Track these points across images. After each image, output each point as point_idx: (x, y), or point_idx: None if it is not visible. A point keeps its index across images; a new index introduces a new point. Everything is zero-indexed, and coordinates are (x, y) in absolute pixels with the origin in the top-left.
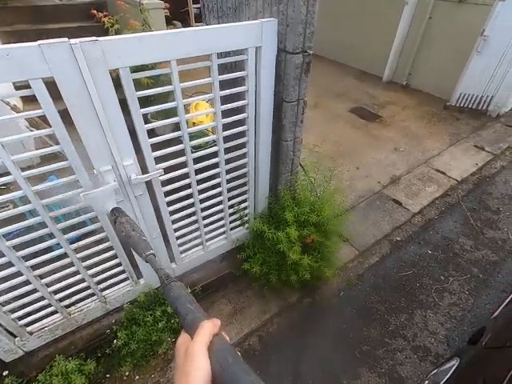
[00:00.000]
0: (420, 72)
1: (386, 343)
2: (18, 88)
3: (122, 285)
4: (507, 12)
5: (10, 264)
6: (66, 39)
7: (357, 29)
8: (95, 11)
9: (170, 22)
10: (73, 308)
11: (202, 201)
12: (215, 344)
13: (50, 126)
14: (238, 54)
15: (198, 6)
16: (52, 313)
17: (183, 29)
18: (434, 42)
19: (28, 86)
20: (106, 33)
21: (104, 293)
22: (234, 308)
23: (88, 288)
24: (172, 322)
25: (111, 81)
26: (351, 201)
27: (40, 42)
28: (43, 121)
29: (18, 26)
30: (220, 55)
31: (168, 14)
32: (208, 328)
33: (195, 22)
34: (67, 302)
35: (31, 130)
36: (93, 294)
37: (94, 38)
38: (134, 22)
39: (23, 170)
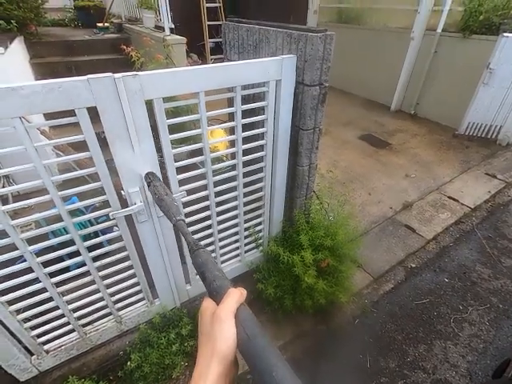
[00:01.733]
0: (428, 102)
1: (405, 375)
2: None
3: (137, 305)
4: (511, 46)
5: (33, 280)
6: (110, 74)
7: (364, 61)
8: (124, 46)
9: (187, 55)
10: (89, 327)
11: (218, 223)
12: (242, 313)
13: (74, 151)
14: (259, 86)
15: (214, 40)
16: (69, 331)
17: (213, 64)
18: (441, 73)
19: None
20: (132, 65)
21: (120, 312)
22: None
23: (105, 307)
24: (185, 345)
25: (146, 110)
26: (364, 226)
27: (89, 76)
28: (69, 145)
29: (50, 59)
30: (242, 87)
31: (186, 48)
32: (236, 295)
33: (211, 55)
34: (85, 320)
35: (57, 153)
36: (109, 314)
37: (135, 72)
38: (160, 56)
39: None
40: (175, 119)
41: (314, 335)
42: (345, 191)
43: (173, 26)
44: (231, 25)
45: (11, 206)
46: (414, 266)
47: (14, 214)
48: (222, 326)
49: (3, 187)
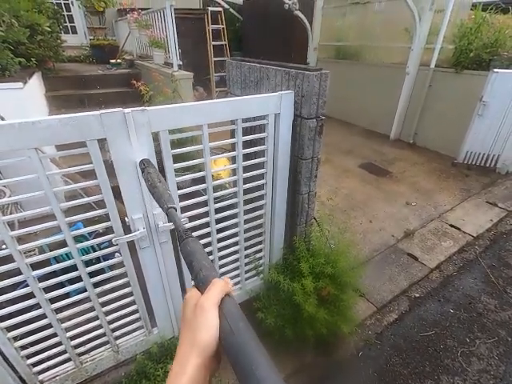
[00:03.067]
0: (426, 131)
1: None
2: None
3: (135, 334)
4: (501, 81)
5: (31, 307)
6: (120, 109)
7: (363, 92)
8: (134, 81)
9: (193, 88)
10: (86, 356)
11: (219, 249)
12: (226, 304)
13: (82, 178)
14: (260, 119)
15: (219, 74)
16: (65, 360)
17: (216, 100)
18: (437, 105)
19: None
20: (141, 98)
21: (118, 341)
22: None
23: (103, 335)
24: None
25: (152, 141)
26: (366, 254)
27: (101, 111)
28: (77, 173)
29: (65, 92)
30: (243, 120)
31: (193, 81)
32: (220, 285)
33: (216, 88)
34: (81, 349)
35: (65, 181)
36: (107, 342)
37: (143, 107)
38: (167, 90)
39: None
40: (179, 149)
41: (316, 368)
42: (346, 219)
43: (181, 63)
44: (234, 63)
45: (23, 230)
46: (417, 295)
47: (19, 240)
48: (205, 316)
49: (10, 213)
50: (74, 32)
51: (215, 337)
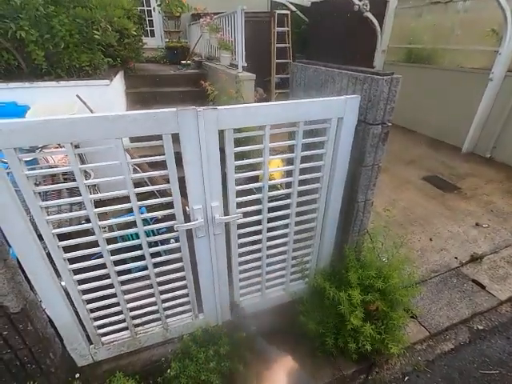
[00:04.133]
0: (508, 145)
1: None
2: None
3: (184, 315)
4: None
5: (101, 277)
6: (194, 107)
7: (432, 100)
8: (202, 81)
9: (254, 89)
10: (140, 328)
11: (268, 248)
12: None
13: (149, 168)
14: (322, 122)
15: (280, 76)
16: (123, 329)
17: (279, 102)
18: None
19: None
20: (206, 97)
21: (168, 320)
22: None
23: (156, 312)
24: (222, 364)
25: (218, 138)
26: (422, 274)
27: (177, 108)
28: (146, 163)
29: (142, 89)
30: (305, 122)
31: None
32: None
33: (276, 89)
34: (138, 321)
35: (134, 169)
36: (158, 319)
37: (214, 106)
38: (231, 91)
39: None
40: (242, 148)
41: (354, 383)
42: (402, 233)
43: (245, 65)
44: (299, 66)
45: (106, 208)
46: (481, 327)
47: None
48: None
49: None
50: (153, 35)
51: None
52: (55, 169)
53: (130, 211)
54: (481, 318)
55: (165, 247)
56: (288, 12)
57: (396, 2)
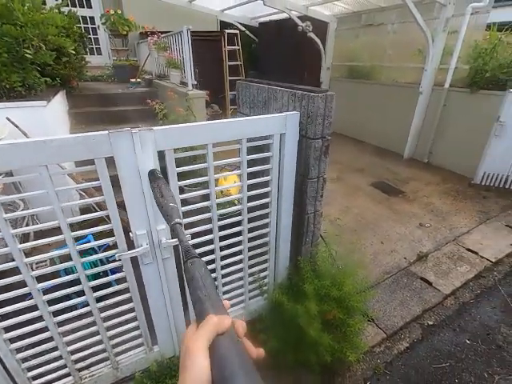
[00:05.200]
0: (441, 151)
1: None
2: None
3: (136, 350)
4: None
5: (35, 319)
6: (128, 128)
7: (376, 111)
8: (149, 100)
9: (209, 105)
10: (85, 372)
11: (223, 267)
12: (219, 346)
13: (100, 193)
14: (265, 139)
15: (233, 93)
16: (65, 375)
17: (220, 120)
18: (452, 124)
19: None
20: (156, 115)
21: (118, 358)
22: None
23: (104, 351)
24: None
25: (158, 159)
26: (376, 276)
27: (109, 131)
28: (93, 188)
29: (86, 109)
30: (249, 139)
31: (208, 99)
32: (212, 324)
33: (231, 106)
34: (82, 364)
35: (80, 194)
36: (107, 359)
37: (150, 127)
38: (180, 110)
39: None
40: (184, 168)
41: None
42: (356, 239)
43: (195, 82)
44: (244, 83)
45: (28, 244)
46: (431, 323)
47: (33, 250)
48: (192, 359)
49: (27, 225)
50: (99, 53)
51: (204, 377)
52: None
53: (78, 239)
54: (430, 313)
55: (109, 278)
56: (237, 32)
57: (335, 24)
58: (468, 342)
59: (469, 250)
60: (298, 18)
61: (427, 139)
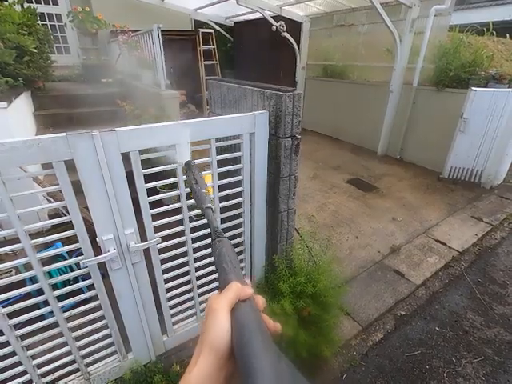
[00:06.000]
0: (411, 147)
1: None
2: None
3: (108, 359)
4: (480, 98)
5: None
6: (88, 130)
7: (350, 110)
8: (119, 101)
9: (185, 105)
10: None
11: (197, 269)
12: (239, 311)
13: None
14: (236, 138)
15: None
16: None
17: (187, 120)
18: (421, 121)
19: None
20: (127, 115)
21: (89, 368)
22: None
23: (73, 362)
24: None
25: (122, 162)
26: (352, 271)
27: (67, 133)
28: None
29: (54, 111)
30: (219, 139)
31: (185, 99)
32: (234, 289)
33: (207, 105)
34: (49, 378)
35: (48, 199)
36: (77, 370)
37: (112, 128)
38: (152, 110)
39: (33, 235)
40: (151, 169)
41: None
42: (332, 235)
43: (168, 82)
44: (215, 83)
45: None
46: (403, 313)
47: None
48: (213, 317)
49: None
50: (68, 52)
51: (226, 339)
52: None
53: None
54: (403, 304)
55: (75, 286)
56: (212, 31)
57: (309, 24)
58: (437, 329)
59: (438, 241)
60: (272, 17)
61: (399, 136)
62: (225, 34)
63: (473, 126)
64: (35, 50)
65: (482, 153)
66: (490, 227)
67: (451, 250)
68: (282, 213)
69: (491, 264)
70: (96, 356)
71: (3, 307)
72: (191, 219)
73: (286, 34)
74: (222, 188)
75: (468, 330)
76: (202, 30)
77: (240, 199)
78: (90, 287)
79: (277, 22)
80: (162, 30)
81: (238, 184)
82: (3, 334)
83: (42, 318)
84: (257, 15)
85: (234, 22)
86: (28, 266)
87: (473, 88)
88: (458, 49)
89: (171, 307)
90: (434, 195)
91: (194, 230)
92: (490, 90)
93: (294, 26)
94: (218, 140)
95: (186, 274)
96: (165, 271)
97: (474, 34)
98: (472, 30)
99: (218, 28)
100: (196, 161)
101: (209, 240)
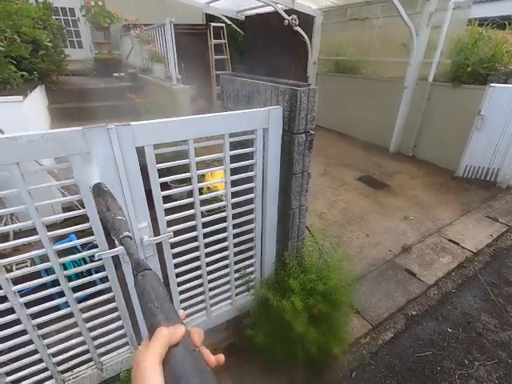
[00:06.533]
0: (425, 144)
1: None
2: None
3: (121, 350)
4: (498, 95)
5: (13, 322)
6: (104, 124)
7: (362, 106)
8: (131, 94)
9: (195, 100)
10: (68, 374)
11: (208, 264)
12: (171, 359)
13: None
14: (249, 134)
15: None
16: (46, 378)
17: (202, 115)
18: (435, 118)
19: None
20: (138, 109)
21: (102, 358)
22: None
23: (87, 352)
24: None
25: (136, 156)
26: (362, 269)
27: (83, 127)
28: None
29: (67, 104)
30: (232, 134)
31: (193, 93)
32: (163, 336)
33: (217, 100)
34: (64, 366)
35: (62, 192)
36: (90, 360)
37: (127, 122)
38: (164, 104)
39: (48, 227)
40: (165, 164)
41: None
42: (342, 233)
43: (180, 77)
44: (228, 78)
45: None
46: (414, 313)
47: (14, 251)
48: (144, 376)
49: (5, 224)
50: (80, 46)
51: None
52: None
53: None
54: (414, 303)
55: (89, 278)
56: (223, 25)
57: (322, 18)
58: (450, 330)
59: (451, 241)
60: (284, 11)
61: (412, 133)
62: (236, 28)
63: (490, 124)
64: (50, 44)
65: (499, 151)
66: (506, 228)
67: (465, 251)
68: (294, 209)
69: (506, 265)
70: (109, 346)
71: (21, 296)
72: (202, 214)
73: (297, 28)
74: (233, 184)
75: (481, 332)
76: (213, 24)
77: (252, 195)
78: (103, 279)
79: (289, 16)
80: (173, 24)
81: (249, 180)
82: (21, 323)
83: (56, 308)
84: (268, 9)
85: (246, 16)
86: (43, 258)
87: (491, 84)
88: (477, 43)
89: (182, 301)
90: (447, 194)
91: (204, 225)
92: (509, 86)
93: (306, 20)
94: (231, 135)
95: (197, 268)
96: (176, 265)
97: (495, 28)
98: (492, 24)
99: (229, 22)
100: (205, 157)
101: (219, 236)
